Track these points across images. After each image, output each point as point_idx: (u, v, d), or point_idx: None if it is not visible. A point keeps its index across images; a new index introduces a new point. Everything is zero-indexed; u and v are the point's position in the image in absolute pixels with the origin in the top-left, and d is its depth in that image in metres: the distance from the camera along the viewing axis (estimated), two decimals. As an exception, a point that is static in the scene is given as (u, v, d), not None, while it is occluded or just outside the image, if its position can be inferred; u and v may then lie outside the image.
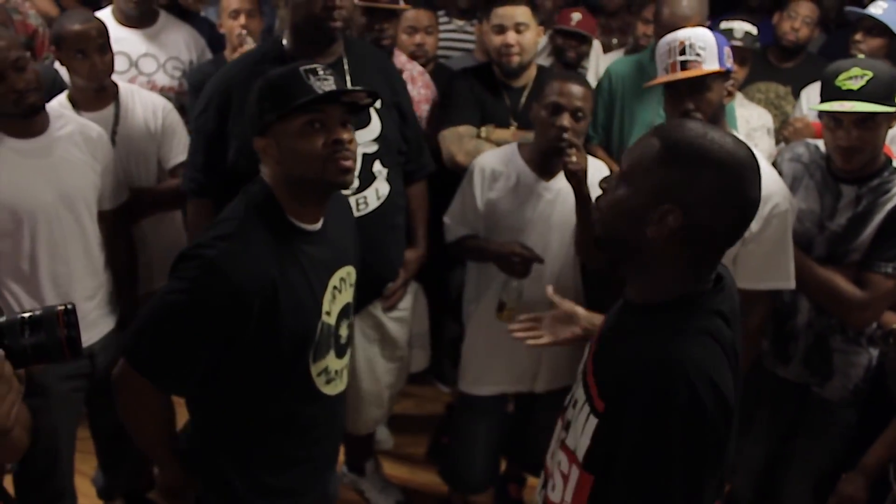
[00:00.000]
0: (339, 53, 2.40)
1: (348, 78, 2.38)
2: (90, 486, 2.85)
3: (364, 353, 2.60)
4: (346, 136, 1.71)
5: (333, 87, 1.68)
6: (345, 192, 2.34)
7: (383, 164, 2.44)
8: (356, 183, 2.37)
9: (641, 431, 1.25)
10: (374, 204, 2.42)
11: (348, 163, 1.71)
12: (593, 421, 1.35)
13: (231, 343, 1.67)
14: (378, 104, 2.41)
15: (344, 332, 1.91)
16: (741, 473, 2.55)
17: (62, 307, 1.12)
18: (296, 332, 1.73)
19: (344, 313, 1.90)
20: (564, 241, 2.44)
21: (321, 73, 1.69)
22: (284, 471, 1.85)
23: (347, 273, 1.90)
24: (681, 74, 2.09)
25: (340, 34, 2.35)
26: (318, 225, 1.78)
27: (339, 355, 1.90)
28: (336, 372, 1.90)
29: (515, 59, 2.80)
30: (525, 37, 2.79)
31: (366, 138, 2.40)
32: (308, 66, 1.69)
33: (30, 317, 1.11)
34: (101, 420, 2.63)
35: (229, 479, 1.80)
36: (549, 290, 1.97)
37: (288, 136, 1.67)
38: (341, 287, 1.87)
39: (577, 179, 2.23)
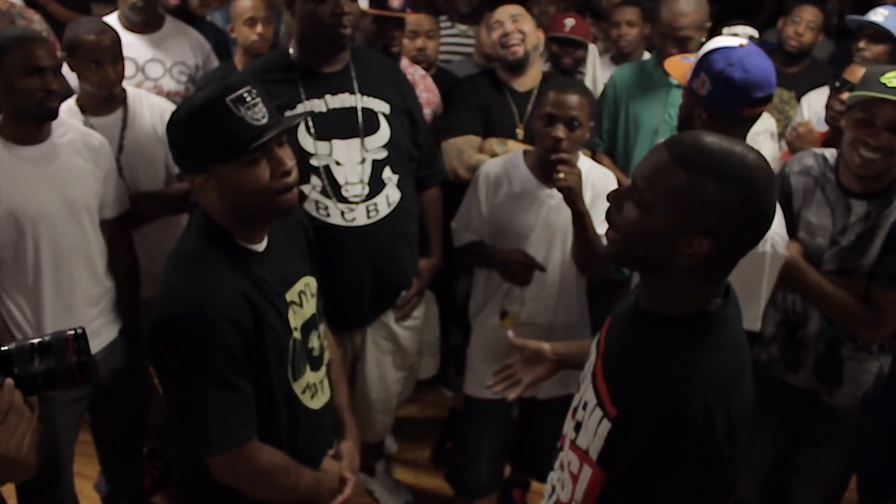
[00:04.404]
0: (345, 61, 2.40)
1: (356, 85, 2.38)
2: (92, 489, 2.85)
3: (375, 362, 2.60)
4: (288, 161, 1.64)
5: (265, 113, 1.59)
6: (355, 199, 2.36)
7: (393, 171, 2.44)
8: (366, 190, 2.38)
9: (653, 439, 1.27)
10: (384, 211, 2.41)
11: (295, 188, 1.67)
12: (606, 425, 1.36)
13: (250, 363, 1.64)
14: (387, 110, 2.43)
15: (315, 343, 1.87)
16: (747, 477, 2.55)
17: (72, 332, 1.09)
18: (274, 351, 1.69)
19: (310, 325, 1.85)
20: (567, 247, 2.44)
21: (248, 98, 1.58)
22: None
23: (306, 284, 1.85)
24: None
25: (348, 42, 2.35)
26: (264, 244, 1.73)
27: (315, 368, 1.87)
28: (316, 385, 1.88)
29: (519, 49, 2.79)
30: (523, 25, 2.79)
31: (375, 144, 2.40)
32: (233, 95, 1.57)
33: (38, 343, 1.08)
34: (103, 429, 2.62)
35: None
36: (511, 335, 1.96)
37: (230, 173, 1.59)
38: (301, 301, 1.81)
39: (569, 195, 2.22)
